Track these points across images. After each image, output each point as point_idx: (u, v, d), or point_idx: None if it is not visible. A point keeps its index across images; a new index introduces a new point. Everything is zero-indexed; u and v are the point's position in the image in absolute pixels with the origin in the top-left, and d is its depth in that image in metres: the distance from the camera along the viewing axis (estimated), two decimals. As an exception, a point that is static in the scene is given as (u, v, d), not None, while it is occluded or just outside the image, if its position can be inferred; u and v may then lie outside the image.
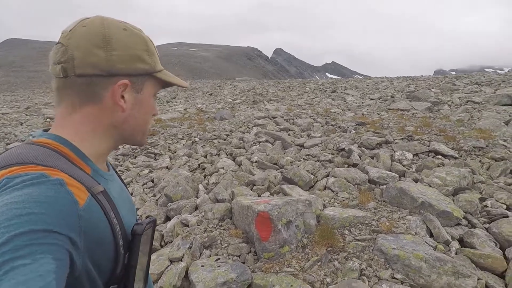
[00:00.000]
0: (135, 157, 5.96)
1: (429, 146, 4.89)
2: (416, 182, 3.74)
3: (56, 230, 0.46)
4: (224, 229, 2.94)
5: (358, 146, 5.17)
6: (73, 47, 0.60)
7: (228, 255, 2.53)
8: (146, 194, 4.29)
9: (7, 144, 7.07)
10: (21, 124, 9.90)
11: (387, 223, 2.84)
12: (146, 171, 5.16)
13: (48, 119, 10.11)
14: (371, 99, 10.98)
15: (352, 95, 12.19)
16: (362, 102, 10.59)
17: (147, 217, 0.78)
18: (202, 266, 2.27)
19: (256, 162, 4.83)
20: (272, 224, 2.42)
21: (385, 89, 13.00)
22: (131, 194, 4.35)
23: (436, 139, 5.28)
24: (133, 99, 0.67)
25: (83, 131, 0.65)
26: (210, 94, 15.36)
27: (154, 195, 4.23)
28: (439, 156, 4.60)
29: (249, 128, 7.44)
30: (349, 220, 2.89)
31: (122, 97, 0.65)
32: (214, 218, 3.13)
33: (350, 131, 6.20)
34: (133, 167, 5.45)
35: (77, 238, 0.50)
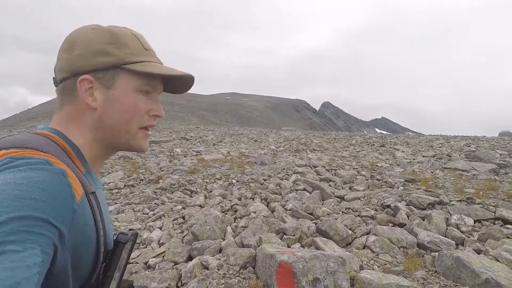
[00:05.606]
0: (172, 192, 6.03)
1: (495, 213, 4.18)
2: (478, 254, 3.13)
3: (51, 220, 0.45)
4: (244, 278, 2.66)
5: (407, 204, 4.62)
6: (56, 60, 0.67)
7: (243, 309, 2.23)
8: (174, 230, 4.20)
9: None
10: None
11: (440, 299, 2.33)
12: (180, 207, 5.13)
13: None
14: (423, 156, 10.17)
15: (403, 151, 11.43)
16: (414, 159, 9.82)
17: (130, 229, 0.76)
18: (212, 317, 2.00)
19: (290, 209, 4.54)
20: (295, 278, 2.11)
21: (440, 147, 12.03)
22: (160, 228, 4.30)
23: (504, 205, 4.52)
24: (104, 96, 0.65)
25: (70, 128, 0.65)
26: (255, 141, 15.61)
27: (182, 232, 4.11)
28: (509, 226, 3.87)
29: (288, 175, 7.21)
30: (391, 289, 2.43)
31: (92, 94, 0.64)
32: (236, 264, 2.87)
33: (398, 187, 5.64)
34: (168, 201, 5.48)
35: (67, 232, 0.48)
